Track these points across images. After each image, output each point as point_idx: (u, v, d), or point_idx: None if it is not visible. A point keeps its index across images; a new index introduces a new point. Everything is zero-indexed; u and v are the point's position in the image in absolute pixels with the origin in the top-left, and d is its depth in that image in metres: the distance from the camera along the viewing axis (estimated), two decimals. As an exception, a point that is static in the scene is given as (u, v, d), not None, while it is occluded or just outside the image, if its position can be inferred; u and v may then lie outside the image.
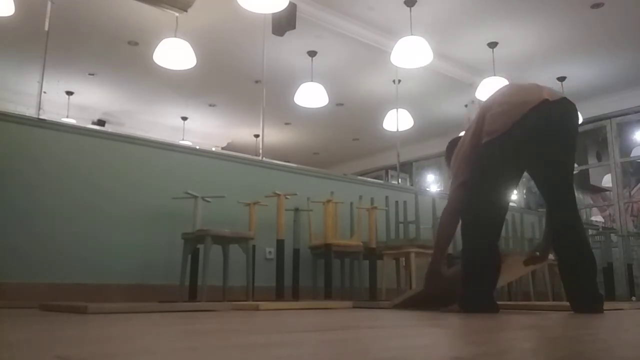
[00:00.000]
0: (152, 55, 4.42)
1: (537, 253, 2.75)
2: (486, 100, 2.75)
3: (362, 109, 6.91)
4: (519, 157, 2.54)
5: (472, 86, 5.94)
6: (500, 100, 2.61)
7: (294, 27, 4.68)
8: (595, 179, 8.33)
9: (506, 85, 2.80)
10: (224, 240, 3.38)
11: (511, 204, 7.51)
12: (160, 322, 1.65)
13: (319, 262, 3.92)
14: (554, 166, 2.53)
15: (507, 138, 2.49)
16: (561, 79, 6.16)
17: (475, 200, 2.59)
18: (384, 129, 6.15)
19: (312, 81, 5.44)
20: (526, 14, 4.97)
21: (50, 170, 3.23)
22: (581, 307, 2.44)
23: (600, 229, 6.95)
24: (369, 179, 5.40)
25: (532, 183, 8.61)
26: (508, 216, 5.04)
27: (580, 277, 2.44)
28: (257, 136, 6.71)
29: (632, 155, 7.32)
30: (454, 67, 5.99)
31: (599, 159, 7.90)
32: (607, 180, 7.86)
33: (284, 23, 4.66)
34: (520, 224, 5.01)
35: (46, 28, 3.66)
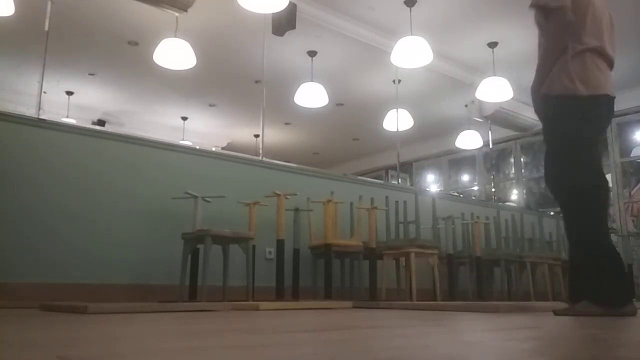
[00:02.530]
0: (152, 55, 4.42)
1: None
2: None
3: (362, 109, 6.91)
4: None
5: (472, 86, 5.94)
6: (598, 60, 2.45)
7: (294, 27, 4.68)
8: (595, 179, 8.31)
9: (605, 31, 2.51)
10: (224, 240, 3.38)
11: (511, 203, 7.55)
12: (160, 322, 1.65)
13: (319, 262, 3.92)
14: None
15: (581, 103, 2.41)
16: (561, 79, 6.16)
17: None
18: (384, 129, 6.15)
19: (312, 81, 5.43)
20: (526, 14, 4.95)
21: (49, 171, 3.23)
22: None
23: (600, 229, 6.94)
24: (369, 179, 5.40)
25: (532, 183, 8.51)
26: (507, 216, 5.07)
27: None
28: (257, 136, 6.71)
29: (632, 155, 7.30)
30: (454, 67, 5.99)
31: (599, 159, 7.88)
32: (607, 180, 7.84)
33: (284, 23, 4.66)
34: (521, 223, 5.00)
35: (46, 28, 3.66)
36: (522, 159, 7.54)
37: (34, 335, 1.12)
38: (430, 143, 7.65)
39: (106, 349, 0.89)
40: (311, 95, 5.36)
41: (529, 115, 6.34)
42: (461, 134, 6.55)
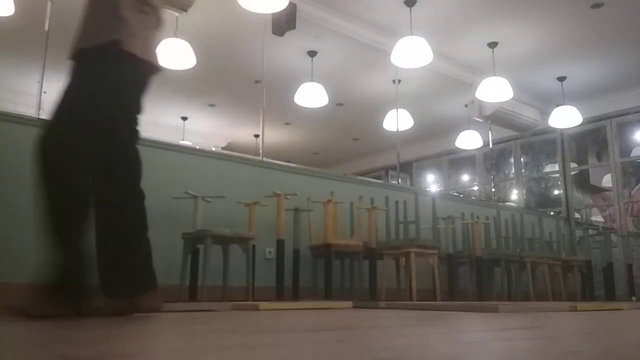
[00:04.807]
0: (152, 55, 4.41)
1: None
2: None
3: (362, 109, 6.91)
4: None
5: (472, 86, 5.94)
6: None
7: (294, 27, 4.68)
8: (595, 179, 8.32)
9: None
10: (224, 240, 3.38)
11: (511, 203, 7.55)
12: (160, 322, 1.66)
13: (319, 262, 3.92)
14: None
15: None
16: (561, 79, 6.16)
17: None
18: (384, 129, 6.15)
19: (312, 81, 5.43)
20: (526, 14, 4.97)
21: (50, 170, 3.23)
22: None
23: (600, 229, 6.95)
24: (369, 179, 5.40)
25: (532, 183, 8.51)
26: (507, 216, 5.08)
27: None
28: (257, 136, 6.70)
29: (632, 155, 7.31)
30: (454, 67, 5.99)
31: (599, 159, 7.90)
32: (607, 180, 7.86)
33: (284, 23, 4.66)
34: (521, 223, 5.00)
35: (46, 28, 3.66)
36: (522, 159, 7.54)
37: (34, 335, 1.12)
38: (430, 143, 7.65)
39: (107, 348, 0.89)
40: (311, 95, 5.36)
41: (529, 115, 6.34)
42: (461, 134, 6.55)
